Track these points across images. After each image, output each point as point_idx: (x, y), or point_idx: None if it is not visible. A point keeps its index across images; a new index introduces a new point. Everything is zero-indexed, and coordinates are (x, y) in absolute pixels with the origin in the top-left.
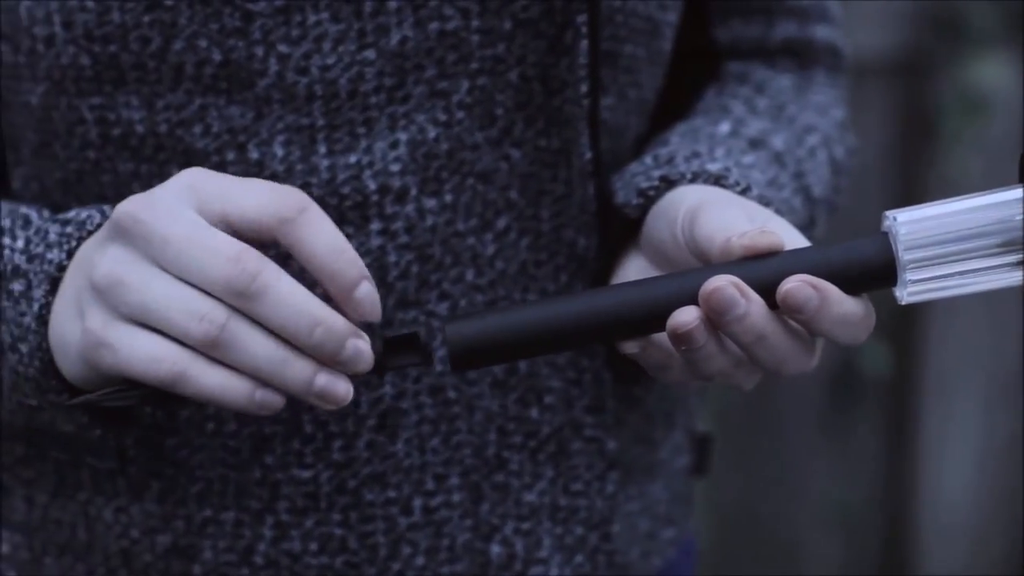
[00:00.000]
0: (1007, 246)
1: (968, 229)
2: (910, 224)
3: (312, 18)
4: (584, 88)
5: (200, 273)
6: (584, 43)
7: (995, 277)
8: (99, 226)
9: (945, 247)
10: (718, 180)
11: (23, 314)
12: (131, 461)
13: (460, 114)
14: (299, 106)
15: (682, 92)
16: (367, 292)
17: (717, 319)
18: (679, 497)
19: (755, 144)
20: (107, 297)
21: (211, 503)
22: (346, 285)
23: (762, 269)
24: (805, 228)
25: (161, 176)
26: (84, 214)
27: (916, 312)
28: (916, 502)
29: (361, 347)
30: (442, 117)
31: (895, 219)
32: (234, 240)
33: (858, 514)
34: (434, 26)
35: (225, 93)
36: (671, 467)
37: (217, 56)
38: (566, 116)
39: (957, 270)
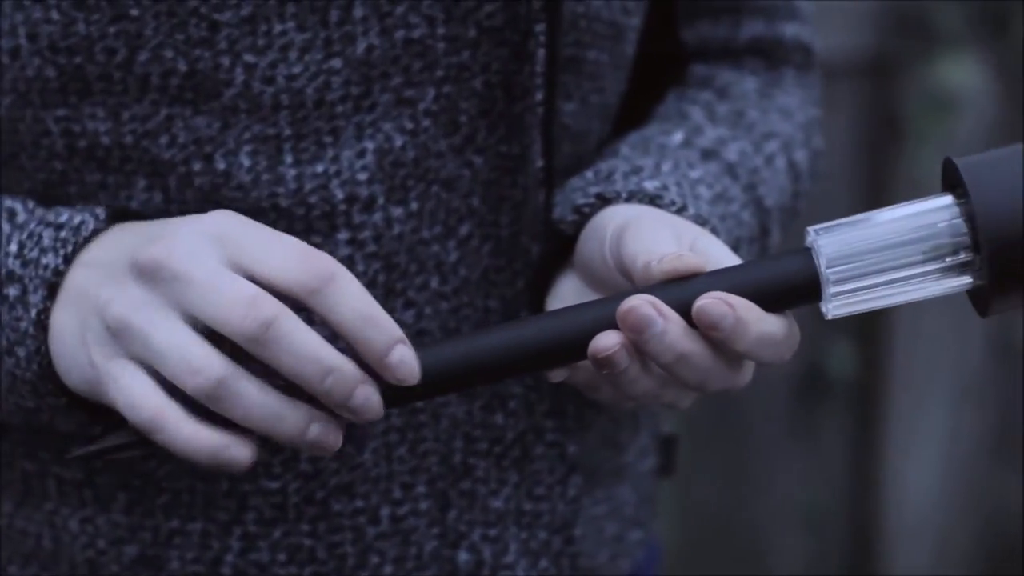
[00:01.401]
0: (933, 254)
1: (892, 241)
2: (832, 239)
3: (278, 27)
4: (539, 96)
5: (215, 317)
6: (541, 51)
7: (922, 287)
8: (94, 232)
9: (869, 260)
10: (653, 200)
11: (19, 319)
12: (98, 472)
13: (426, 122)
14: (265, 116)
15: (649, 95)
16: (400, 356)
17: (636, 339)
18: (646, 499)
19: (707, 155)
20: (115, 336)
21: (178, 514)
22: (378, 352)
23: (683, 289)
24: (756, 239)
25: (128, 187)
26: (77, 219)
27: (882, 313)
28: (882, 502)
29: (370, 395)
30: (408, 125)
31: (817, 235)
32: (251, 285)
33: (825, 514)
34: (400, 34)
35: (191, 103)
36: (638, 469)
37: (183, 66)
38: (526, 123)
39: (883, 281)
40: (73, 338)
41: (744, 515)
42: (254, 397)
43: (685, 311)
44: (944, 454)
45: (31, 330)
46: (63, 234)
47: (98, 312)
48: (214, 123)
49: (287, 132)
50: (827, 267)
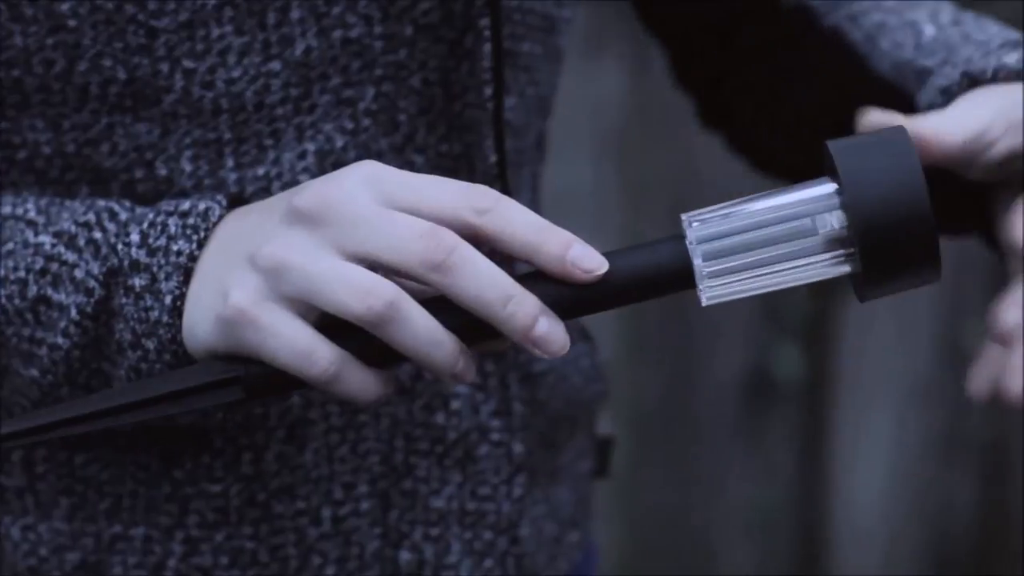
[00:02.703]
0: (808, 244)
1: (767, 231)
2: (705, 228)
3: (216, 32)
4: (488, 91)
5: (393, 249)
6: (487, 46)
7: (800, 274)
8: (221, 217)
9: (743, 249)
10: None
11: (149, 309)
12: (40, 478)
13: (366, 121)
14: (205, 121)
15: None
16: (581, 250)
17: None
18: (583, 501)
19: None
20: (268, 277)
21: (120, 519)
22: (560, 252)
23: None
24: None
25: (71, 196)
26: (202, 205)
27: (828, 317)
28: (830, 504)
29: (555, 327)
30: (348, 125)
31: (691, 222)
32: (423, 220)
33: (773, 516)
34: (337, 34)
35: (131, 111)
36: (575, 471)
37: (122, 74)
38: (468, 120)
39: (758, 271)
40: (207, 296)
41: (692, 518)
42: (420, 321)
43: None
44: (892, 457)
45: (165, 318)
46: (191, 220)
47: (248, 257)
48: (154, 130)
49: (227, 136)
50: (701, 257)
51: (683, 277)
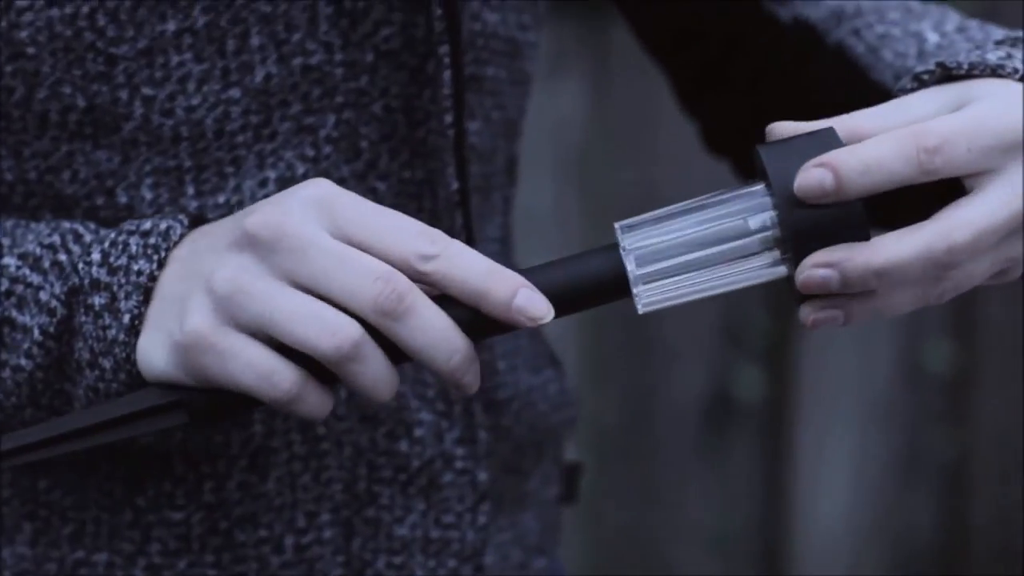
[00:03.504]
0: (740, 249)
1: (701, 235)
2: (638, 236)
3: (175, 59)
4: (449, 118)
5: (346, 289)
6: (447, 73)
7: (735, 279)
8: (182, 236)
9: (677, 256)
10: (995, 71)
11: (107, 327)
12: (4, 503)
13: (327, 149)
14: (166, 148)
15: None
16: (527, 297)
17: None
18: (550, 527)
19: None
20: (226, 303)
21: (83, 544)
22: (506, 299)
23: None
24: None
25: (34, 222)
26: (164, 224)
27: (789, 338)
28: (792, 525)
29: (478, 371)
30: (309, 153)
31: (623, 231)
32: (380, 261)
33: (735, 538)
34: (298, 61)
35: (91, 138)
36: (541, 497)
37: (81, 102)
38: (430, 147)
39: (693, 273)
40: (162, 322)
41: (654, 539)
42: (378, 361)
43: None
44: (853, 477)
45: (122, 336)
46: (152, 240)
47: (203, 281)
48: (115, 157)
49: (188, 164)
50: (634, 263)
51: (618, 285)
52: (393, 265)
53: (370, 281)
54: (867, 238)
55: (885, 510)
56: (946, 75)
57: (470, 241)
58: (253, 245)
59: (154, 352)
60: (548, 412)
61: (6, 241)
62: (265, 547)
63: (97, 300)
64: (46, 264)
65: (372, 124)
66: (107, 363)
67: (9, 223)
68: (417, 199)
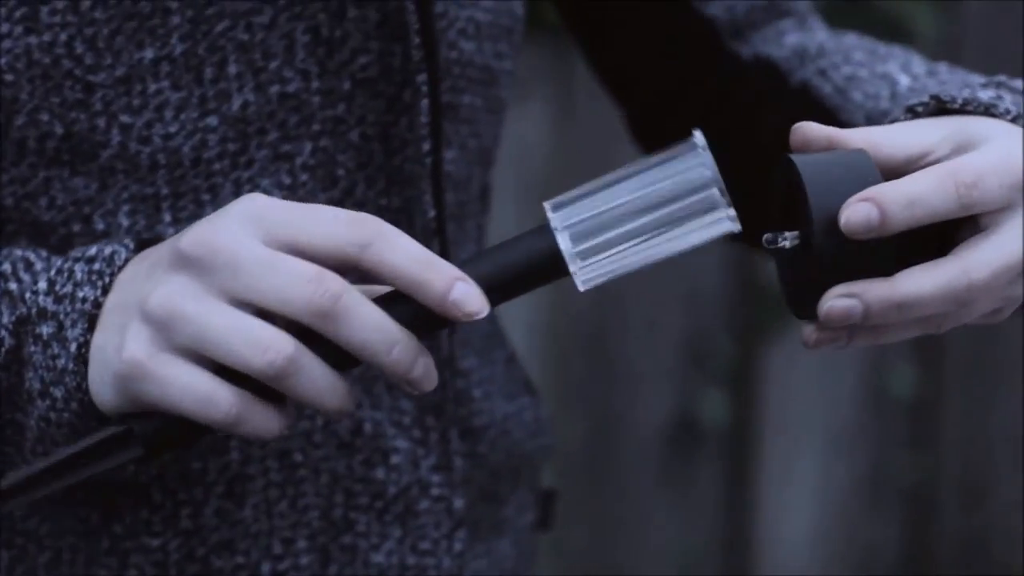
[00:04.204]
0: (678, 211)
1: (635, 203)
2: (570, 213)
3: (153, 87)
4: (427, 146)
5: (278, 297)
6: (425, 101)
7: (675, 242)
8: (127, 261)
9: (611, 227)
10: (988, 109)
11: (56, 357)
12: None
13: (304, 176)
14: (143, 176)
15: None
16: (464, 291)
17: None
18: (525, 554)
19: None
20: (161, 328)
21: (60, 572)
22: (441, 292)
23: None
24: None
25: (11, 247)
26: (108, 250)
27: (753, 362)
28: (757, 550)
29: (429, 365)
30: (286, 180)
31: (553, 210)
32: (310, 263)
33: (700, 562)
34: (275, 89)
35: (68, 165)
36: (517, 524)
37: (59, 129)
38: (407, 174)
39: (632, 241)
40: (105, 350)
41: (619, 564)
42: (317, 371)
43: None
44: (818, 502)
45: (71, 365)
46: (97, 266)
47: (139, 306)
48: (92, 184)
49: (165, 191)
50: (569, 241)
51: (555, 265)
52: (329, 259)
53: (302, 284)
54: (892, 273)
55: (849, 534)
56: (940, 108)
57: None
58: (188, 265)
59: (102, 384)
60: (524, 439)
61: None
62: (242, 573)
63: (45, 329)
64: None
65: (349, 152)
66: (58, 392)
67: None
68: (394, 226)
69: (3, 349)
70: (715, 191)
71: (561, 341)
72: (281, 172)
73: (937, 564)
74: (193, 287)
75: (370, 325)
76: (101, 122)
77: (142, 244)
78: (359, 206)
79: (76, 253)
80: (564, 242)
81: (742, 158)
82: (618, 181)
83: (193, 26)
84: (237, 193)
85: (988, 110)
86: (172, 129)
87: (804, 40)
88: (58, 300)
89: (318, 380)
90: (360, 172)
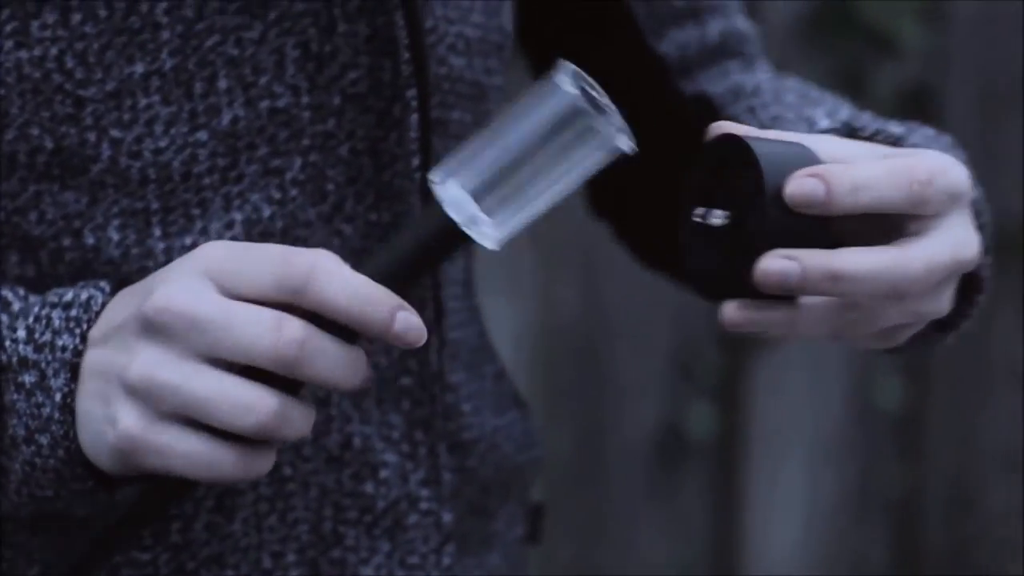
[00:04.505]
0: (564, 142)
1: (519, 144)
2: (455, 180)
3: (143, 101)
4: (416, 161)
5: (244, 350)
6: (415, 116)
7: (574, 173)
8: (103, 305)
9: (504, 177)
10: (897, 140)
11: (40, 405)
12: None
13: (293, 191)
14: (133, 190)
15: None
16: (403, 323)
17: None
18: (516, 567)
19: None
20: (147, 399)
21: None
22: (382, 327)
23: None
24: None
25: (1, 262)
26: (84, 295)
27: (740, 373)
28: (744, 563)
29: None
30: (276, 195)
31: (439, 181)
32: (267, 310)
33: (688, 574)
34: (265, 104)
35: (59, 179)
36: (507, 537)
37: (49, 143)
38: (396, 190)
39: (529, 189)
40: (97, 420)
41: None
42: (302, 420)
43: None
44: (805, 514)
45: (57, 415)
46: (74, 312)
47: (119, 379)
48: (82, 198)
49: (155, 206)
50: (461, 216)
51: (457, 237)
52: (273, 304)
53: (262, 334)
54: None
55: (837, 546)
56: (850, 134)
57: (435, 285)
58: (156, 332)
59: (98, 455)
60: (513, 453)
61: None
62: None
63: (27, 378)
64: None
65: (338, 167)
66: (44, 439)
67: None
68: (383, 241)
69: None
70: (587, 112)
71: (549, 353)
72: (271, 187)
73: (924, 574)
74: (166, 354)
75: (337, 365)
76: (91, 136)
77: (119, 284)
78: (348, 221)
79: (52, 298)
80: (456, 215)
81: (675, 191)
82: (494, 134)
83: (183, 41)
84: (227, 208)
85: (897, 141)
86: (162, 144)
87: (744, 80)
88: (38, 349)
89: (304, 427)
90: (350, 187)
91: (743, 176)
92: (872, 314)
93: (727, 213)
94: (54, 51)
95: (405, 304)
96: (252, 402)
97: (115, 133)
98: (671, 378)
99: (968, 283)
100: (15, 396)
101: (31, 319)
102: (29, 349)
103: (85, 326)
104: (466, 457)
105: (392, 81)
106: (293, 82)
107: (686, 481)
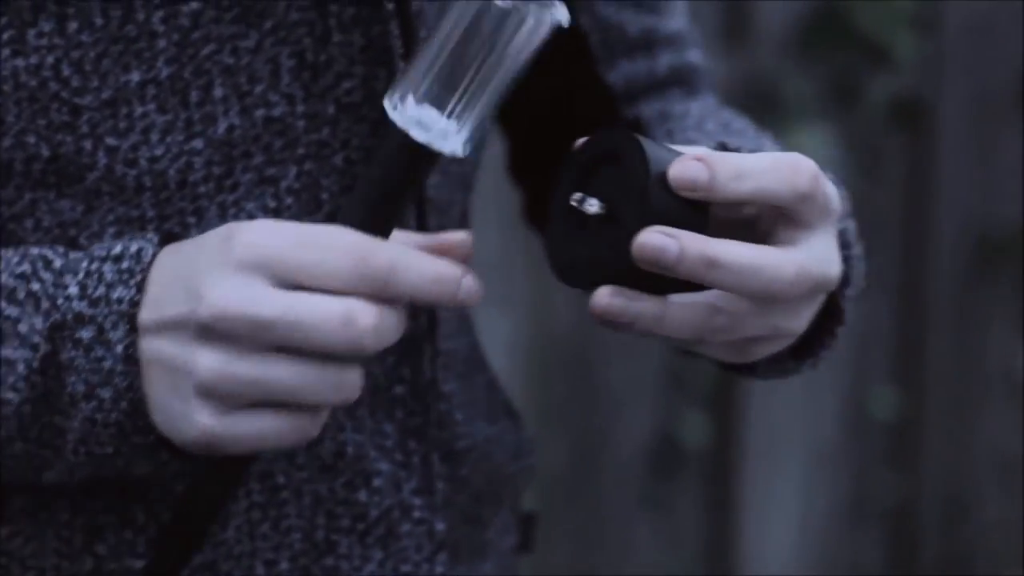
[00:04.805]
0: (492, 34)
1: (455, 50)
2: (409, 103)
3: (139, 110)
4: None
5: (318, 347)
6: None
7: (515, 57)
8: (154, 256)
9: (452, 86)
10: None
11: (101, 359)
12: None
13: (288, 200)
14: (129, 198)
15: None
16: (467, 291)
17: None
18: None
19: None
20: (223, 398)
21: None
22: (449, 301)
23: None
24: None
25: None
26: (134, 246)
27: (734, 383)
28: (739, 571)
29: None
30: (271, 204)
31: (392, 111)
32: (333, 301)
33: None
34: (260, 113)
35: (55, 187)
36: (500, 546)
37: (46, 151)
38: None
39: (479, 88)
40: (174, 414)
41: None
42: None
43: None
44: (799, 523)
45: (120, 367)
46: (125, 264)
47: (188, 381)
48: (78, 206)
49: (150, 213)
50: (424, 133)
51: (428, 156)
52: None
53: (336, 329)
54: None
55: (832, 555)
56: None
57: None
58: (217, 337)
59: (173, 438)
60: (506, 462)
61: None
62: None
63: (84, 334)
64: (21, 295)
65: (333, 176)
66: (106, 393)
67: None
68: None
69: (37, 354)
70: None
71: (543, 362)
72: (266, 195)
73: None
74: (234, 352)
75: (400, 332)
76: (87, 144)
77: (165, 238)
78: None
79: (100, 252)
80: (420, 135)
81: None
82: (430, 46)
83: (179, 49)
84: (222, 216)
85: None
86: (158, 152)
87: (676, 106)
88: (93, 304)
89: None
90: (344, 196)
91: (625, 165)
92: (736, 321)
93: (603, 204)
94: (50, 59)
95: (466, 271)
96: (341, 382)
97: (111, 141)
98: (664, 388)
99: (830, 314)
100: (72, 353)
101: (81, 275)
102: (84, 304)
103: (139, 276)
104: (459, 466)
105: (387, 90)
106: (288, 91)
107: (680, 490)
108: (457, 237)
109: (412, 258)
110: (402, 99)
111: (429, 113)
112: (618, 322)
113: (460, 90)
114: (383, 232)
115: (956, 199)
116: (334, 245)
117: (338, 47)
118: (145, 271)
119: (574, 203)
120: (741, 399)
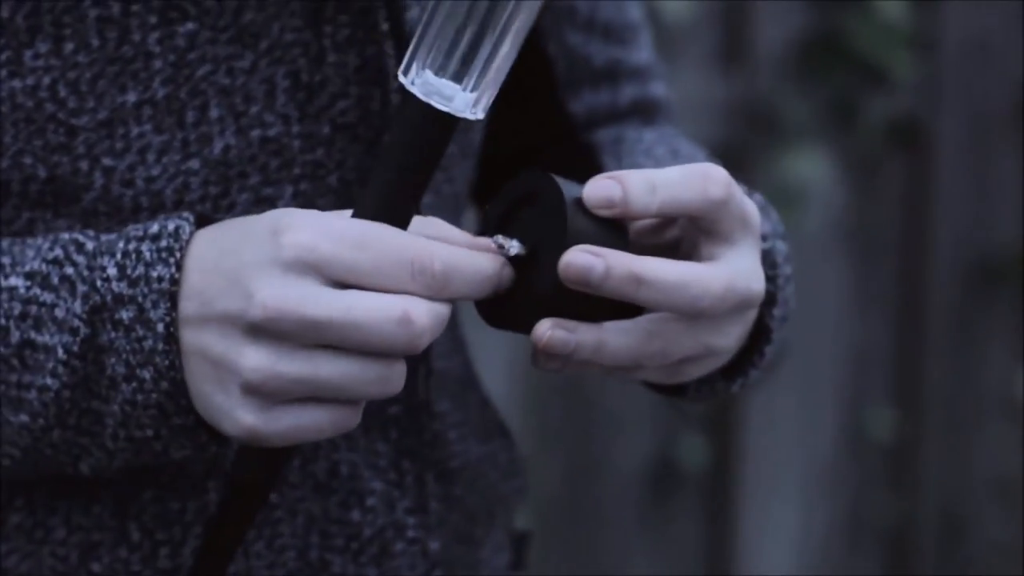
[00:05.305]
0: None
1: (459, 17)
2: (427, 72)
3: (135, 130)
4: None
5: (376, 348)
6: None
7: (516, 18)
8: (192, 235)
9: (460, 50)
10: None
11: (142, 339)
12: None
13: None
14: (125, 218)
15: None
16: (505, 284)
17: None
18: None
19: None
20: (269, 395)
21: None
22: (489, 292)
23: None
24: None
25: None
26: (171, 225)
27: (732, 405)
28: None
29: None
30: None
31: (414, 77)
32: (387, 300)
33: None
34: (256, 133)
35: (52, 207)
36: (493, 565)
37: (42, 172)
38: None
39: (487, 53)
40: (217, 408)
41: None
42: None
43: None
44: (798, 544)
45: (161, 346)
46: (164, 243)
47: (233, 377)
48: (75, 226)
49: None
50: (446, 101)
51: (447, 123)
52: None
53: (394, 331)
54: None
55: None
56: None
57: None
58: (266, 335)
59: (222, 428)
60: (498, 481)
61: (6, 260)
62: None
63: (125, 314)
64: (55, 280)
65: (328, 196)
66: (147, 374)
67: (5, 242)
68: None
69: (77, 338)
70: None
71: (540, 383)
72: None
73: None
74: (283, 350)
75: (441, 318)
76: (84, 165)
77: (201, 220)
78: None
79: (135, 232)
80: (441, 104)
81: None
82: (435, 15)
83: (175, 70)
84: None
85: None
86: (154, 172)
87: (632, 132)
88: (133, 284)
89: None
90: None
91: (542, 200)
92: (668, 343)
93: (524, 243)
94: (47, 80)
95: (504, 263)
96: (389, 376)
97: (107, 162)
98: (662, 410)
99: (759, 333)
100: (113, 335)
101: (119, 255)
102: (123, 285)
103: (178, 254)
104: (452, 485)
105: (381, 111)
106: (283, 111)
107: (678, 512)
108: (484, 241)
109: (463, 258)
110: (414, 72)
111: (444, 82)
112: (561, 354)
113: (471, 63)
114: (413, 199)
115: (954, 219)
116: (387, 247)
117: (333, 67)
118: (184, 249)
119: (495, 248)
120: (739, 420)
